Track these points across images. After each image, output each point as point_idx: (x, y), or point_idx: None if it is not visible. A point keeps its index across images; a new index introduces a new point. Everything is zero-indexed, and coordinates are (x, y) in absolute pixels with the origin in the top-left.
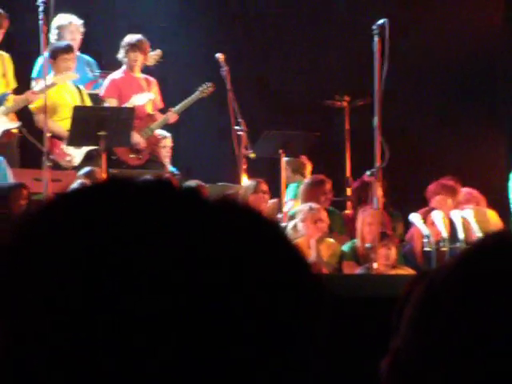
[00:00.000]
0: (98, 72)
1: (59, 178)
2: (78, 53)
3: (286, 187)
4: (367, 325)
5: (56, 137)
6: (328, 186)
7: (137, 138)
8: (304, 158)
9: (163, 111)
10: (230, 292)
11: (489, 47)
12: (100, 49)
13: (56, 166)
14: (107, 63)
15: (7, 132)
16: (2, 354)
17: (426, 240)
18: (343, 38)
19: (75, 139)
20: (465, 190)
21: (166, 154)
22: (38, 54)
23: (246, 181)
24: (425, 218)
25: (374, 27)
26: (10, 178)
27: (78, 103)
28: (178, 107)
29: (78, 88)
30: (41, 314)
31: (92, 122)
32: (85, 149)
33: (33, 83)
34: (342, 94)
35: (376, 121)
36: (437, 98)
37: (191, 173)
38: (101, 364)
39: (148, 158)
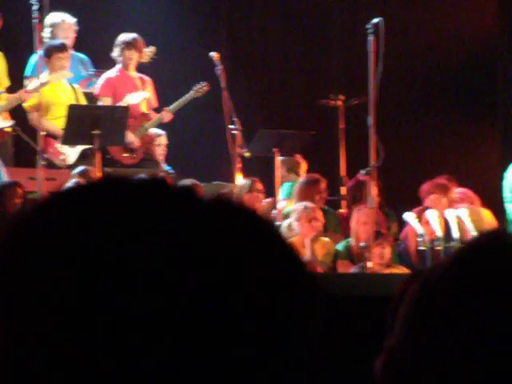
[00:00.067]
0: (92, 71)
1: (53, 177)
2: (71, 51)
3: (281, 186)
4: (361, 324)
5: (50, 135)
6: (323, 185)
7: (131, 137)
8: (299, 157)
9: (157, 110)
10: (226, 291)
11: (486, 46)
12: (94, 47)
13: (50, 165)
14: (101, 62)
15: (0, 131)
16: (2, 354)
17: (420, 239)
18: (338, 37)
19: (69, 138)
20: (459, 190)
21: (160, 152)
22: (31, 52)
23: (240, 180)
24: (419, 217)
25: (369, 26)
26: (5, 176)
27: (73, 102)
28: (172, 106)
29: (73, 86)
30: (40, 314)
31: (86, 121)
32: (79, 148)
33: (26, 82)
34: (336, 93)
35: (370, 120)
36: (431, 98)
37: (186, 171)
38: (100, 364)
39: (142, 157)
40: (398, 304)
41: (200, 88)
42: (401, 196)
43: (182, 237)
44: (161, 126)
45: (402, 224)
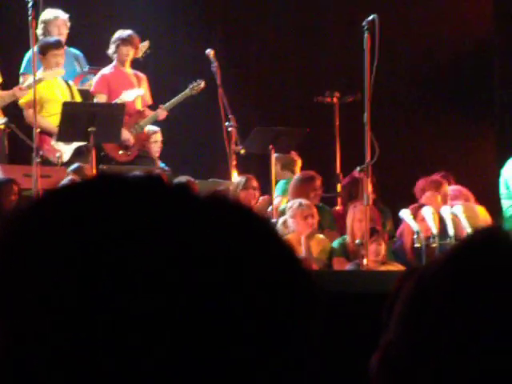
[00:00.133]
0: (86, 68)
1: (49, 174)
2: (65, 47)
3: (276, 183)
4: (357, 321)
5: (45, 133)
6: (318, 182)
7: (126, 135)
8: (294, 155)
9: (152, 107)
10: (226, 291)
11: (482, 44)
12: (88, 43)
13: (45, 162)
14: (96, 58)
15: None
16: (2, 354)
17: (416, 236)
18: (334, 34)
19: (64, 135)
20: (454, 187)
21: (156, 149)
22: (26, 49)
23: (236, 177)
24: (415, 214)
25: (364, 23)
26: (0, 173)
27: (68, 99)
28: (167, 104)
29: (68, 83)
30: (40, 314)
31: (82, 118)
32: (74, 145)
33: (21, 79)
34: (332, 91)
35: (366, 117)
36: (427, 95)
37: (181, 169)
38: (100, 364)
39: (137, 154)
40: (394, 301)
41: (195, 86)
42: (396, 193)
43: (180, 235)
44: (156, 122)
45: (397, 221)
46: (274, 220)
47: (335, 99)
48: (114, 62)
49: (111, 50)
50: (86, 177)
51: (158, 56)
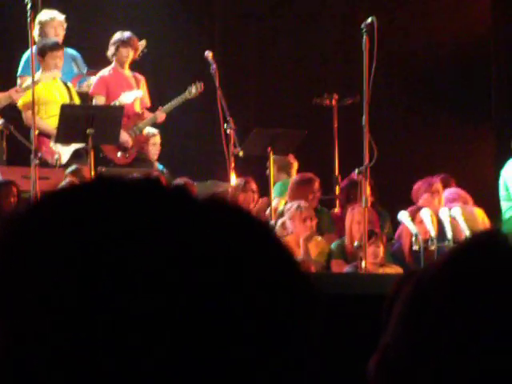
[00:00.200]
0: (85, 69)
1: (47, 176)
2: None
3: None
4: (355, 323)
5: (44, 134)
6: (316, 184)
7: (124, 137)
8: (291, 157)
9: (151, 109)
10: (226, 291)
11: (480, 47)
12: (87, 45)
13: (44, 164)
14: (93, 59)
15: None
16: (2, 354)
17: (414, 238)
18: (332, 36)
19: (63, 136)
20: (452, 190)
21: (155, 152)
22: (24, 51)
23: (234, 179)
24: (413, 217)
25: (363, 26)
26: None
27: (67, 100)
28: (166, 106)
29: (67, 85)
30: (40, 314)
31: (80, 120)
32: (73, 146)
33: (18, 81)
34: (330, 93)
35: (364, 119)
36: (426, 98)
37: (179, 170)
38: (100, 364)
39: (135, 157)
40: (392, 304)
41: (194, 88)
42: (394, 196)
43: (179, 236)
44: (154, 124)
45: (396, 223)
46: (272, 222)
47: (334, 101)
48: (113, 64)
49: (110, 51)
50: (83, 178)
51: (156, 58)
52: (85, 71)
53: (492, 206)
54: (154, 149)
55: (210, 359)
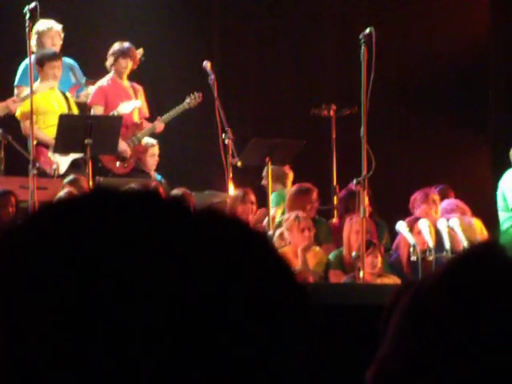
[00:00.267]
0: (83, 79)
1: (45, 186)
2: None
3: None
4: (353, 333)
5: (42, 144)
6: (314, 194)
7: (123, 146)
8: (286, 168)
9: (149, 119)
10: (224, 302)
11: (478, 56)
12: (84, 55)
13: (42, 174)
14: (91, 69)
15: None
16: (2, 354)
17: (412, 249)
18: (331, 47)
19: (61, 147)
20: (450, 201)
21: (153, 163)
22: (20, 60)
23: (232, 189)
24: (411, 227)
25: (361, 36)
26: None
27: (66, 110)
28: (164, 117)
29: (65, 95)
30: (40, 314)
31: (78, 130)
32: (71, 156)
33: (15, 91)
34: (329, 103)
35: (363, 130)
36: (423, 108)
37: (178, 181)
38: (100, 364)
39: (133, 167)
40: (390, 315)
41: (192, 100)
42: (392, 206)
43: (177, 246)
44: (152, 134)
45: (394, 234)
46: (270, 232)
47: (332, 112)
48: (111, 74)
49: (109, 61)
50: (82, 189)
51: (155, 68)
52: (83, 81)
53: (490, 217)
54: (152, 160)
55: (210, 359)
